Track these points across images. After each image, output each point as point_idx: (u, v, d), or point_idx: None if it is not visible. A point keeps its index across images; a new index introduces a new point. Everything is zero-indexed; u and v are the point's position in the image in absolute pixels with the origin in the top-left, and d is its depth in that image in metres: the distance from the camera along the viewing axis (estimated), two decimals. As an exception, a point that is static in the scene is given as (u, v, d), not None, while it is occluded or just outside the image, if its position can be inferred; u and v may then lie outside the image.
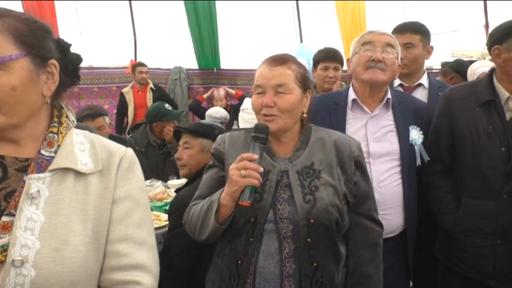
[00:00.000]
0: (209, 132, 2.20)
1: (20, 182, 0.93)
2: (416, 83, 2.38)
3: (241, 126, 3.26)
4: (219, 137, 1.61)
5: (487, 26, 5.76)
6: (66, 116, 1.04)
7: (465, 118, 1.84)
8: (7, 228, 0.88)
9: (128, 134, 5.12)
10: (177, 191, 2.43)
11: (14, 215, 0.89)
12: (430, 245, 2.01)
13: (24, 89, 0.93)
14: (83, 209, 0.95)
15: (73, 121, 1.05)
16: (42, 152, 0.96)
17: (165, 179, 3.37)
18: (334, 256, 1.43)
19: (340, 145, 1.49)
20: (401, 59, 2.15)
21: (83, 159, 0.98)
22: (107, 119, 3.32)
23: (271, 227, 1.40)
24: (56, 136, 0.99)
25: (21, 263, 0.85)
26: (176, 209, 1.98)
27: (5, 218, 0.89)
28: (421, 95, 2.35)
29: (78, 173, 0.97)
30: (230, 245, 1.44)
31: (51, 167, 0.95)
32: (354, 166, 1.48)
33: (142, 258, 1.00)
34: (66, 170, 0.96)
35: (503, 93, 1.80)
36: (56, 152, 0.97)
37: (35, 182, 0.92)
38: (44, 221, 0.90)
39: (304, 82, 1.48)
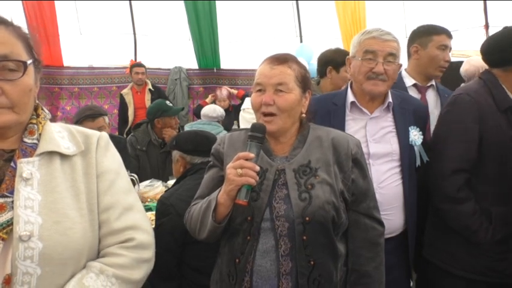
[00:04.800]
0: (174, 144, 2.33)
1: (8, 168, 1.00)
2: (429, 84, 2.42)
3: (241, 126, 3.25)
4: (220, 137, 1.62)
5: (486, 26, 5.77)
6: (42, 109, 1.13)
7: (492, 123, 1.80)
8: (2, 208, 0.96)
9: (128, 134, 5.12)
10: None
11: (6, 197, 0.97)
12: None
13: (33, 90, 1.06)
14: (74, 186, 1.05)
15: (48, 113, 1.15)
16: (25, 140, 1.05)
17: (165, 179, 3.38)
18: (332, 254, 1.42)
19: (338, 143, 1.48)
20: (447, 61, 2.37)
21: (64, 143, 1.09)
22: (107, 119, 3.31)
23: (267, 225, 1.40)
24: (35, 126, 1.08)
25: (28, 237, 0.93)
26: (157, 208, 2.07)
27: None
28: (431, 94, 2.41)
29: (63, 156, 1.07)
30: (228, 244, 1.45)
31: (38, 151, 1.04)
32: (351, 164, 1.47)
33: (132, 220, 1.11)
34: (51, 154, 1.05)
35: None
36: (38, 140, 1.06)
37: (26, 166, 1.01)
38: (41, 199, 0.99)
39: (304, 82, 1.49)
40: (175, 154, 2.29)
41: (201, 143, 2.23)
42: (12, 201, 0.96)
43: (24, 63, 1.02)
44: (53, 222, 0.97)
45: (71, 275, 1.01)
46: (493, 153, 1.79)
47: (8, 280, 0.92)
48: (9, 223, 0.94)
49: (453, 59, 4.43)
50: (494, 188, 1.80)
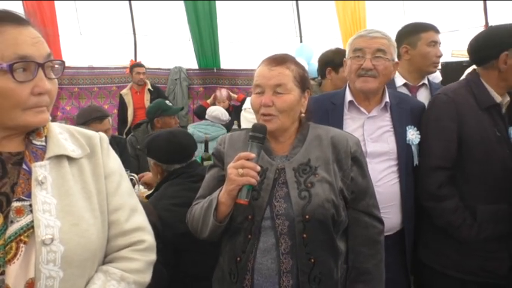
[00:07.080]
0: (146, 152, 2.20)
1: (21, 170, 0.99)
2: (421, 83, 2.42)
3: (243, 126, 3.25)
4: (220, 137, 1.65)
5: (486, 26, 5.75)
6: None
7: (473, 122, 1.81)
8: (21, 212, 0.95)
9: (127, 134, 5.12)
10: (147, 197, 2.38)
11: (23, 200, 0.96)
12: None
13: None
14: (84, 188, 1.05)
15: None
16: (34, 142, 1.03)
17: (165, 179, 3.37)
18: (332, 252, 1.44)
19: (337, 141, 1.50)
20: (439, 57, 2.36)
21: (69, 146, 1.07)
22: (110, 120, 3.31)
23: (268, 224, 1.42)
24: (42, 128, 1.06)
25: (50, 240, 0.94)
26: None
27: (16, 204, 0.96)
28: (424, 93, 2.40)
29: (70, 159, 1.06)
30: (230, 243, 1.47)
31: (48, 154, 1.03)
32: (350, 162, 1.49)
33: (139, 222, 1.13)
34: (59, 157, 1.04)
35: (497, 97, 1.84)
36: (45, 142, 1.05)
37: (39, 169, 0.99)
38: (57, 202, 0.99)
39: (302, 82, 1.50)
40: (150, 161, 2.17)
41: (174, 152, 2.11)
42: (30, 205, 0.96)
43: (64, 62, 1.05)
44: (71, 225, 0.98)
45: (88, 276, 1.02)
46: (476, 152, 1.81)
47: (31, 284, 0.92)
48: (29, 226, 0.94)
49: (453, 59, 4.45)
50: (480, 185, 1.82)
